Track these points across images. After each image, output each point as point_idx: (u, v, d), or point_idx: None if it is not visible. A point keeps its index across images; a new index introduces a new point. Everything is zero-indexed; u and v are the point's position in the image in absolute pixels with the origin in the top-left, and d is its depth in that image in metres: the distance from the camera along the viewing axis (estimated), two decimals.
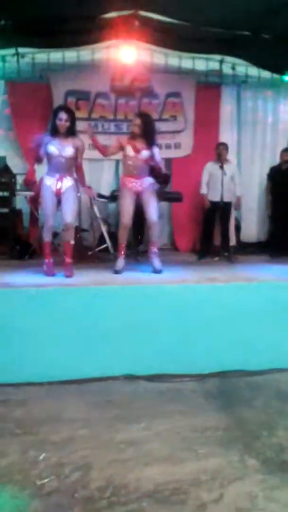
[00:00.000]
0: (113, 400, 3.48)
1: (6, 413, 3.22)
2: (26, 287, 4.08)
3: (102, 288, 4.18)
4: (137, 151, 4.88)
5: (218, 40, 6.16)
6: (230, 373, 3.93)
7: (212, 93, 7.50)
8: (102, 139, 7.42)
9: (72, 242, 4.80)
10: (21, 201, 6.65)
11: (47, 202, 4.68)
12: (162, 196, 6.69)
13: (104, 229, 6.62)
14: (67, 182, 4.68)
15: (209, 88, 7.47)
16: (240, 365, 3.99)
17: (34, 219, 6.78)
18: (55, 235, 6.69)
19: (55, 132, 4.64)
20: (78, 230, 6.69)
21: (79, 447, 2.78)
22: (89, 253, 6.46)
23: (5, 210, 6.29)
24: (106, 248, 6.52)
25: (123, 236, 5.05)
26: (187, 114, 7.47)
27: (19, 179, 6.62)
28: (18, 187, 6.55)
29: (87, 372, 3.78)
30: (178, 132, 7.51)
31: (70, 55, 6.68)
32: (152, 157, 4.87)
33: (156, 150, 4.94)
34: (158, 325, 3.96)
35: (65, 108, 4.99)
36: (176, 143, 7.53)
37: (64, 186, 4.66)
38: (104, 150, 5.08)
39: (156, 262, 5.00)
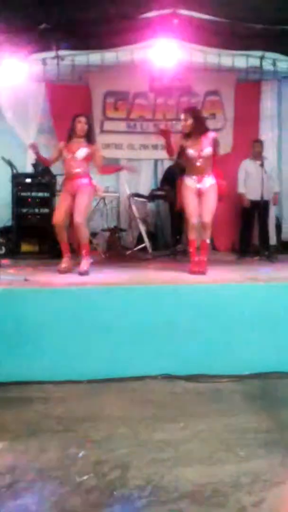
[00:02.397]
0: (151, 399, 3.48)
1: (46, 410, 3.27)
2: (65, 286, 4.14)
3: (141, 287, 4.18)
4: (72, 152, 4.80)
5: (259, 36, 6.06)
6: (269, 375, 3.85)
7: (252, 89, 7.40)
8: (141, 139, 7.51)
9: (208, 240, 4.85)
10: None
11: (190, 202, 4.73)
12: None
13: (142, 229, 6.63)
14: (208, 182, 4.70)
15: (249, 84, 7.37)
16: (280, 367, 3.91)
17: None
18: (93, 235, 6.80)
19: (187, 134, 4.71)
20: (117, 230, 6.75)
21: (118, 445, 2.78)
22: (127, 252, 6.49)
23: (46, 210, 6.40)
24: (145, 247, 6.54)
25: (59, 236, 4.85)
26: (226, 112, 7.40)
27: (59, 180, 6.71)
28: (58, 187, 6.64)
29: (125, 371, 3.78)
30: (217, 130, 7.41)
31: (109, 56, 6.72)
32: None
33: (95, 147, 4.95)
34: (197, 325, 3.92)
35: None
36: None
37: (204, 186, 4.69)
38: (46, 161, 5.17)
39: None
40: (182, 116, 4.74)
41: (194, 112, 4.84)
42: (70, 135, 4.84)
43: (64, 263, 4.82)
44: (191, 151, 4.68)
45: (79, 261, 4.81)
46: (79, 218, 4.68)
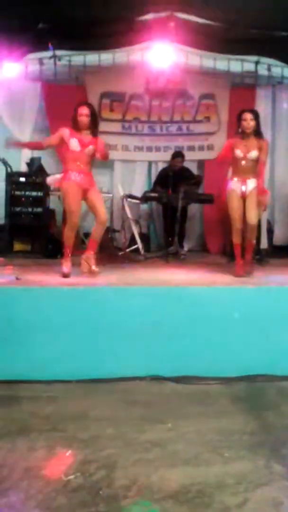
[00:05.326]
0: (139, 400, 3.50)
1: (35, 409, 3.28)
2: (57, 286, 4.16)
3: (131, 288, 4.21)
4: (84, 145, 4.55)
5: (254, 41, 6.13)
6: (257, 377, 3.88)
7: (246, 94, 7.44)
8: (135, 141, 7.54)
9: (254, 241, 4.84)
10: (54, 201, 6.76)
11: (234, 206, 4.72)
12: (194, 197, 6.69)
13: (135, 230, 6.66)
14: (251, 184, 4.68)
15: (243, 89, 7.43)
16: (268, 370, 3.94)
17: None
18: (86, 235, 6.82)
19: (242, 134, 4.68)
20: (109, 230, 6.78)
21: (105, 445, 2.80)
22: (120, 253, 6.51)
23: (39, 209, 6.43)
24: (137, 249, 6.56)
25: (71, 237, 4.65)
26: (220, 115, 7.45)
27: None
28: (51, 187, 6.65)
29: (114, 372, 3.80)
30: (212, 133, 7.49)
31: (105, 57, 6.75)
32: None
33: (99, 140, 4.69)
34: (187, 327, 3.95)
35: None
36: (209, 144, 7.52)
37: (248, 188, 4.67)
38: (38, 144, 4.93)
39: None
40: (248, 116, 4.65)
41: (257, 115, 4.79)
42: (75, 125, 4.53)
43: (69, 266, 4.58)
44: (238, 151, 4.67)
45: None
46: (105, 215, 4.67)
